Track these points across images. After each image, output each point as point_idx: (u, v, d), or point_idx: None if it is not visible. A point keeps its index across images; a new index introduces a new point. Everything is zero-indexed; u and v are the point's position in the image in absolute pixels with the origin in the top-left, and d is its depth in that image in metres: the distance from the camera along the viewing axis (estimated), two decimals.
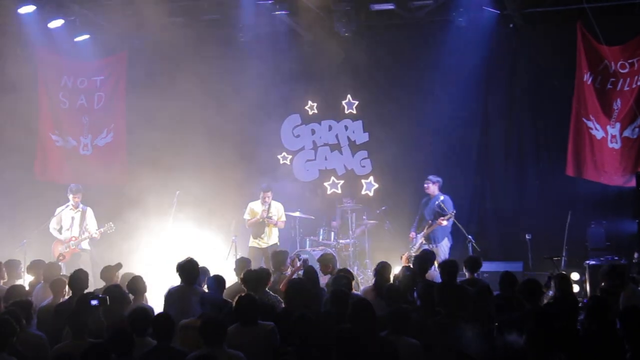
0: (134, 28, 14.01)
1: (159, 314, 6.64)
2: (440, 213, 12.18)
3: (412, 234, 12.57)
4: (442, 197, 12.34)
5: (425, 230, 12.31)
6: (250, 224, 12.94)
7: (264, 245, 12.79)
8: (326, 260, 9.87)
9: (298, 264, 10.00)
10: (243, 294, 7.16)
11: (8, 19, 13.27)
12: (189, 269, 8.37)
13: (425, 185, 12.57)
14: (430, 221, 12.33)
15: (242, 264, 9.55)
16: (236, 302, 6.98)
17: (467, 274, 9.48)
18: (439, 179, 12.60)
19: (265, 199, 12.79)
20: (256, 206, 12.93)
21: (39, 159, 14.75)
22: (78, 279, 8.25)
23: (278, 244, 12.90)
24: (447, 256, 11.87)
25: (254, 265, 11.51)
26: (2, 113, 14.16)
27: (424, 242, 12.30)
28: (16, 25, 13.42)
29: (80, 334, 6.46)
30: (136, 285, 8.39)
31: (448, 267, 8.83)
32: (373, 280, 9.14)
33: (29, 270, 9.79)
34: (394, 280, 8.83)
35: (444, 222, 12.12)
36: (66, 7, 13.22)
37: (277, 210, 12.95)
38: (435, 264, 10.05)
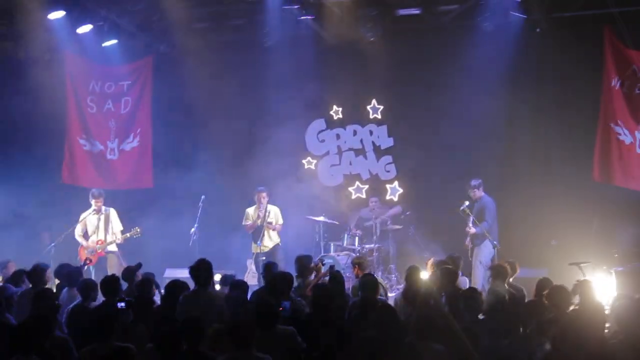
0: (160, 33, 14.15)
1: (188, 318, 6.62)
2: (479, 218, 12.18)
3: (467, 240, 12.48)
4: (485, 202, 12.38)
5: (467, 237, 12.30)
6: (249, 229, 12.99)
7: (265, 250, 12.84)
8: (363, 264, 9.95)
9: (323, 269, 9.98)
10: (261, 300, 7.19)
11: (38, 24, 13.43)
12: (202, 271, 8.30)
13: (471, 193, 12.49)
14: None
15: (269, 269, 9.54)
16: (256, 306, 7.03)
17: (490, 280, 9.41)
18: (478, 180, 12.54)
19: (261, 199, 12.85)
20: (252, 211, 13.03)
21: (66, 162, 14.91)
22: (109, 283, 8.33)
23: (279, 244, 13.00)
24: (487, 259, 11.80)
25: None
26: (31, 117, 14.39)
27: (471, 245, 12.32)
28: (46, 30, 13.59)
29: (105, 338, 6.47)
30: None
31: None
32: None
33: (57, 275, 9.88)
34: (422, 286, 8.77)
35: (472, 230, 12.10)
36: (94, 13, 13.36)
37: (275, 214, 13.01)
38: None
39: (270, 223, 12.88)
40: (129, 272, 9.40)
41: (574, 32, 13.12)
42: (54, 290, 9.51)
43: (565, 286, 7.81)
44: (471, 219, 12.15)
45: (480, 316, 7.43)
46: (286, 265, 11.51)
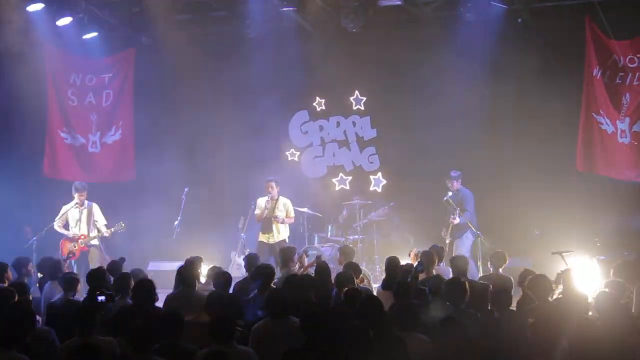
0: (141, 25, 14.06)
1: (168, 312, 6.61)
2: (461, 208, 12.28)
3: (444, 231, 12.59)
4: (464, 193, 12.51)
5: (449, 228, 12.33)
6: (257, 219, 12.85)
7: (272, 241, 12.65)
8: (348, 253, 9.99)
9: (306, 260, 9.99)
10: (274, 289, 7.18)
11: (17, 17, 13.28)
12: (187, 273, 8.27)
13: (449, 184, 12.57)
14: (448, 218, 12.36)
15: (252, 261, 9.55)
16: (267, 296, 7.04)
17: (491, 269, 9.46)
18: (458, 172, 12.61)
19: (269, 189, 12.67)
20: (262, 201, 12.81)
21: (47, 156, 14.78)
22: (96, 276, 8.27)
23: (287, 240, 12.79)
24: (468, 250, 11.85)
25: (261, 260, 11.54)
26: (11, 110, 14.26)
27: (450, 238, 12.38)
28: (25, 23, 13.44)
29: (87, 331, 6.40)
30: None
31: (457, 262, 8.92)
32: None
33: (39, 268, 9.82)
34: (404, 276, 8.81)
35: (456, 220, 12.16)
36: (74, 5, 13.22)
37: (285, 206, 12.81)
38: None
39: (277, 217, 12.60)
40: (114, 267, 9.32)
41: (556, 23, 13.15)
42: (37, 285, 9.50)
43: (546, 275, 7.88)
44: (457, 210, 12.22)
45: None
46: None
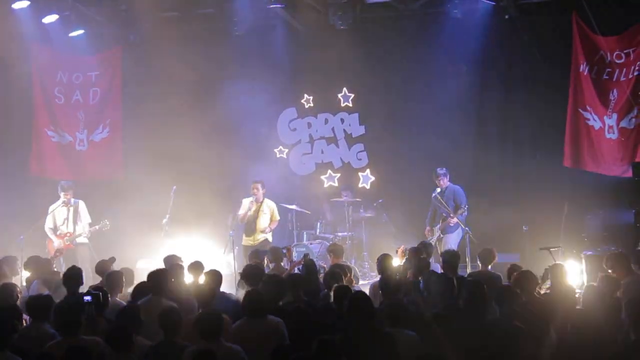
0: (128, 23, 13.99)
1: (165, 310, 6.59)
2: (456, 205, 12.31)
3: (428, 228, 12.59)
4: (454, 189, 12.49)
5: (441, 223, 12.33)
6: (240, 219, 12.75)
7: (255, 243, 12.45)
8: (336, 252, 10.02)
9: (296, 257, 10.01)
10: (251, 288, 7.17)
11: (2, 14, 13.20)
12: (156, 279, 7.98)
13: (436, 181, 12.58)
14: (444, 214, 12.35)
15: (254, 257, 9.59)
16: (245, 295, 7.00)
17: (480, 265, 9.49)
18: (445, 169, 12.64)
19: (254, 190, 12.59)
20: (247, 201, 12.74)
21: (34, 154, 14.72)
22: (71, 276, 8.19)
23: (270, 240, 12.60)
24: (455, 247, 11.87)
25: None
26: None
27: (441, 235, 12.35)
28: (10, 20, 13.36)
29: (72, 331, 6.34)
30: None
31: (449, 258, 8.94)
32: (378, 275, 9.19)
33: (26, 267, 9.77)
34: (394, 274, 8.82)
35: (454, 220, 12.19)
36: (60, 2, 13.18)
37: (270, 209, 12.72)
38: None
39: (265, 229, 12.51)
40: (103, 266, 9.28)
41: (543, 19, 13.22)
42: (24, 283, 9.45)
43: (531, 271, 7.93)
44: (450, 207, 12.25)
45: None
46: None
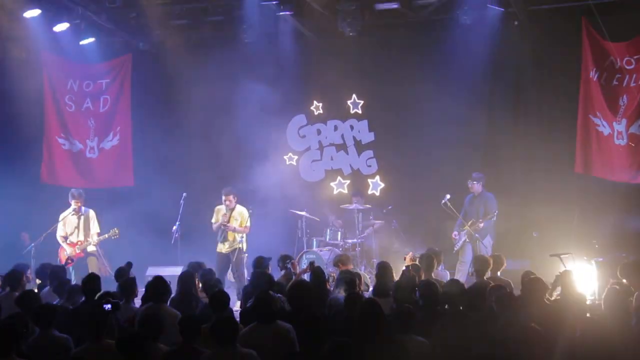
0: (138, 31, 14.08)
1: (186, 316, 6.69)
2: (485, 211, 12.33)
3: (455, 233, 12.56)
4: (487, 197, 12.52)
5: (469, 229, 12.30)
6: (214, 229, 12.55)
7: (226, 251, 12.32)
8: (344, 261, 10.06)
9: (303, 266, 10.01)
10: (261, 293, 7.21)
11: (14, 23, 13.31)
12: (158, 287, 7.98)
13: (470, 185, 12.57)
14: (474, 220, 12.34)
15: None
16: (255, 299, 7.02)
17: (489, 272, 9.45)
18: (482, 175, 12.65)
19: (226, 202, 12.39)
20: (220, 210, 12.52)
21: (45, 162, 14.81)
22: (90, 282, 8.26)
23: (244, 248, 12.33)
24: (489, 253, 11.84)
25: (220, 270, 11.59)
26: (8, 116, 14.26)
27: (467, 240, 12.33)
28: (22, 29, 13.46)
29: (97, 337, 6.46)
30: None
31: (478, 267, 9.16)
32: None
33: (37, 274, 9.81)
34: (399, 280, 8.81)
35: (481, 225, 12.16)
36: (71, 11, 13.25)
37: (240, 215, 12.44)
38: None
39: (228, 226, 12.26)
40: (121, 272, 9.31)
41: (552, 24, 13.17)
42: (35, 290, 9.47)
43: (540, 278, 7.92)
44: (480, 213, 12.31)
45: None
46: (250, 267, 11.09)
